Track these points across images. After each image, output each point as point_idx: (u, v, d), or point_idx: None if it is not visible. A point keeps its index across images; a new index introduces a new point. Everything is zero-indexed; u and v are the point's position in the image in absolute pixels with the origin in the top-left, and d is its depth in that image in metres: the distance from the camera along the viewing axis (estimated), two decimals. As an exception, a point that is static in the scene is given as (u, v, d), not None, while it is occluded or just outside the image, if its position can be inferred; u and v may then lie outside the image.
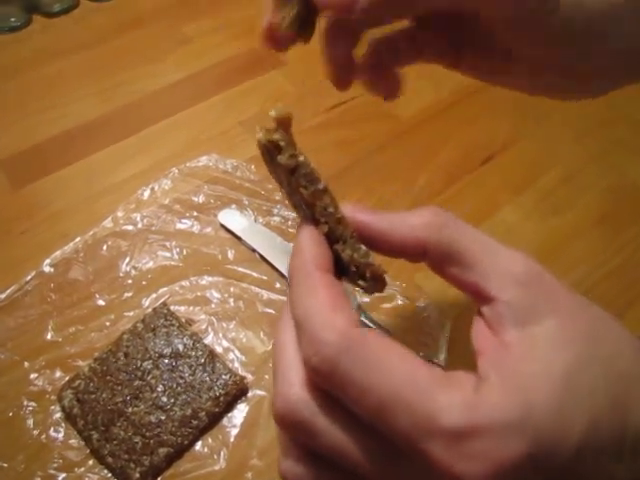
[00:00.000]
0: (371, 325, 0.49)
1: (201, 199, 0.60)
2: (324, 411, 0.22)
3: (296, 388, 0.23)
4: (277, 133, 0.24)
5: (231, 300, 0.52)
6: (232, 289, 0.53)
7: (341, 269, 0.26)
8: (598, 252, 0.57)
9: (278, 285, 0.53)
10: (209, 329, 0.51)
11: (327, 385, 0.22)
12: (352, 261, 0.26)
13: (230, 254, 0.56)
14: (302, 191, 0.25)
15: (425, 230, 0.25)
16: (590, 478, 0.21)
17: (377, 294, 0.51)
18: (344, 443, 0.22)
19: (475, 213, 0.60)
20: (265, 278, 0.54)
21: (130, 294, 0.53)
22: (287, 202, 0.27)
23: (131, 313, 0.51)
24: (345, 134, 0.68)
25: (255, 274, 0.54)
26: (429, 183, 0.63)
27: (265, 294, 0.53)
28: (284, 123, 0.25)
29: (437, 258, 0.25)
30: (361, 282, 0.26)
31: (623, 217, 0.61)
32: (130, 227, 0.57)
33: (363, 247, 0.26)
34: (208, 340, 0.50)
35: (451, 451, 0.20)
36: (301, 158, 0.25)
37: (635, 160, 0.66)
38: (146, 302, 0.52)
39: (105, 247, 0.56)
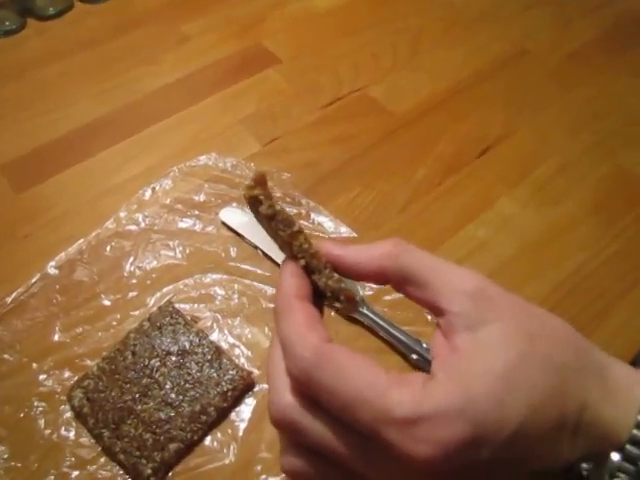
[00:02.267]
0: (373, 317, 0.50)
1: (202, 198, 0.60)
2: (308, 412, 0.26)
3: (285, 395, 0.27)
4: (256, 189, 0.29)
5: (235, 297, 0.53)
6: (236, 286, 0.54)
7: (320, 294, 0.31)
8: (594, 240, 0.58)
9: (281, 281, 0.54)
10: (214, 326, 0.51)
11: (307, 391, 0.26)
12: (327, 287, 0.30)
13: (233, 251, 0.56)
14: (281, 233, 0.29)
15: (385, 259, 0.30)
16: (532, 455, 0.25)
17: (379, 286, 0.52)
18: (325, 437, 0.26)
19: (472, 205, 0.61)
20: (268, 274, 0.54)
21: (135, 293, 0.53)
22: (274, 242, 0.32)
23: (137, 312, 0.52)
24: (341, 130, 0.68)
25: (258, 270, 0.55)
26: (427, 176, 0.63)
27: (268, 290, 0.53)
28: (261, 180, 0.29)
29: (397, 281, 0.30)
30: (337, 304, 0.31)
31: (618, 206, 0.61)
32: (133, 227, 0.58)
33: (336, 275, 0.30)
34: (214, 337, 0.50)
35: (404, 436, 0.24)
36: (277, 207, 0.29)
37: (628, 150, 0.67)
38: (151, 301, 0.53)
39: (109, 248, 0.56)
